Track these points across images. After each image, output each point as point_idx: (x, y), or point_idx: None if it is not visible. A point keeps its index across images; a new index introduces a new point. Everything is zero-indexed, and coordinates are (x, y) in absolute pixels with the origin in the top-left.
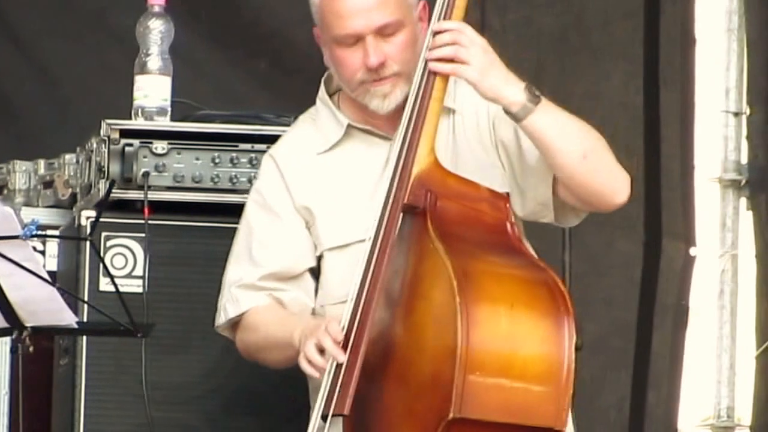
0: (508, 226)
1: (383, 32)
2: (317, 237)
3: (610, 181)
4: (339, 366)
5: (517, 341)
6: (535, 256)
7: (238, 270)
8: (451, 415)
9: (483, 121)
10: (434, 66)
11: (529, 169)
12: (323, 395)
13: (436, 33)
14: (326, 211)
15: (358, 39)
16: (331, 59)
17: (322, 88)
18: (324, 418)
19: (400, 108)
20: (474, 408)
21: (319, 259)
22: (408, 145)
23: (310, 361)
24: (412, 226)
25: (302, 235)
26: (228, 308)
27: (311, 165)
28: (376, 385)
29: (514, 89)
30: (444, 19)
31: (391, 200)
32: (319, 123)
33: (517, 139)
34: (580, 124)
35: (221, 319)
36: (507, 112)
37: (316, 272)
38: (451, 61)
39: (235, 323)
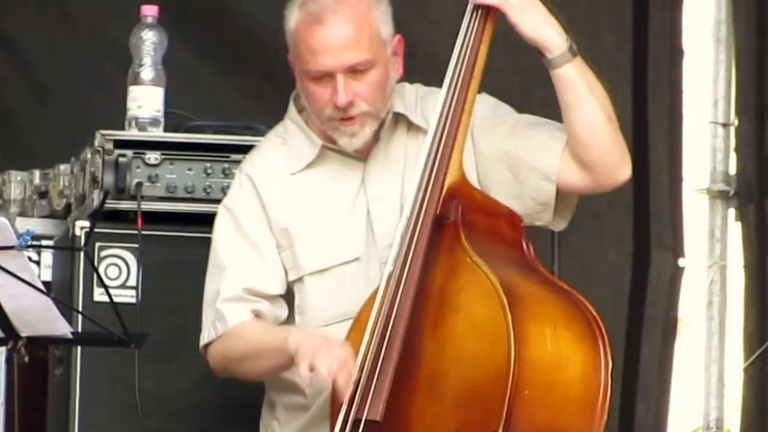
0: (524, 245)
1: (354, 70)
2: (296, 261)
3: (622, 152)
4: (370, 369)
5: (560, 363)
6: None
7: (217, 285)
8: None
9: None
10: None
11: (528, 169)
12: (348, 399)
13: None
14: (305, 234)
15: (327, 75)
16: (302, 90)
17: (292, 106)
18: (357, 422)
19: (369, 142)
20: (520, 426)
21: (296, 282)
22: (441, 155)
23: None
24: (439, 237)
25: (276, 261)
26: (217, 325)
27: (286, 186)
28: (399, 393)
29: (555, 33)
30: None
31: (423, 209)
32: (291, 143)
33: (507, 141)
34: (604, 90)
35: (210, 336)
36: (544, 57)
37: (286, 298)
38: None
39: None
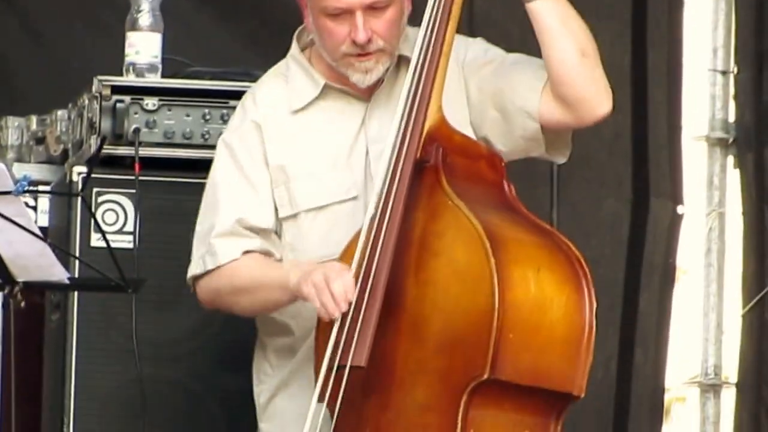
0: (505, 185)
1: (373, 7)
2: (292, 197)
3: (600, 87)
4: (353, 317)
5: (544, 305)
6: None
7: (210, 220)
8: (485, 376)
9: (451, 79)
10: None
11: (512, 107)
12: (332, 346)
13: None
14: (303, 172)
15: (346, 12)
16: (316, 28)
17: (295, 44)
18: (339, 369)
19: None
20: (505, 369)
21: (290, 218)
22: (420, 99)
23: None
24: (419, 181)
25: (268, 197)
26: (207, 259)
27: (286, 123)
28: (381, 338)
29: None
30: None
31: (403, 153)
32: (292, 81)
33: (494, 80)
34: (583, 24)
35: (199, 268)
36: None
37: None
38: None
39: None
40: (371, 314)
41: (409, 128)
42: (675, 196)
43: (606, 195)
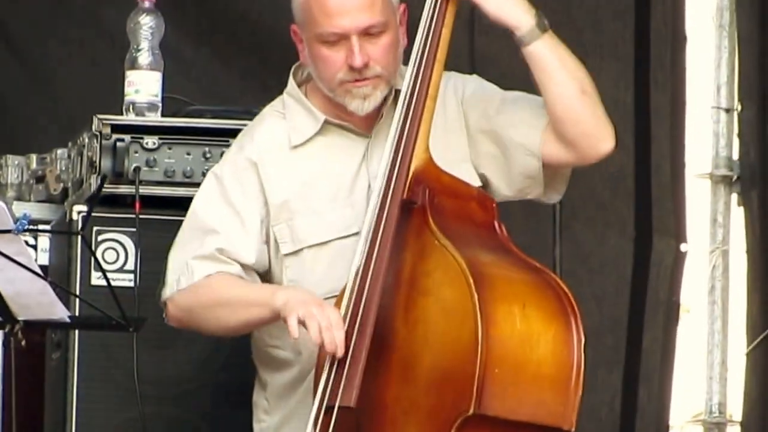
0: (497, 225)
1: (368, 33)
2: (294, 233)
3: (600, 124)
4: (342, 357)
5: (530, 341)
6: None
7: (189, 246)
8: (471, 411)
9: (452, 113)
10: None
11: (513, 144)
12: (323, 387)
13: None
14: (305, 208)
15: (342, 38)
16: (312, 57)
17: (291, 80)
18: (328, 410)
19: (377, 107)
20: (491, 405)
21: (292, 255)
22: (406, 140)
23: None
24: (407, 222)
25: (256, 233)
26: (181, 280)
27: (286, 159)
28: (373, 379)
29: (522, 11)
30: None
31: (389, 195)
32: (290, 117)
33: (497, 113)
34: (580, 63)
35: (172, 290)
36: (513, 35)
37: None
38: None
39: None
40: (359, 355)
41: (395, 169)
42: (678, 233)
43: (609, 233)
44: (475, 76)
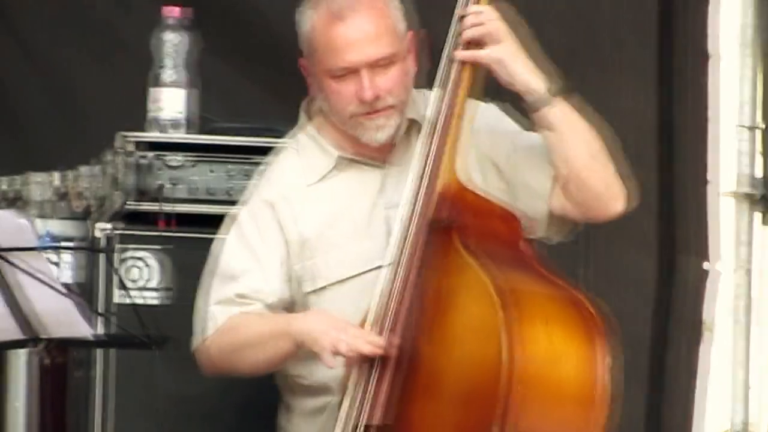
0: (521, 244)
1: (377, 65)
2: (316, 271)
3: (611, 186)
4: (367, 376)
5: (554, 359)
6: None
7: (212, 294)
8: (494, 430)
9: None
10: (460, 54)
11: (522, 185)
12: (350, 407)
13: (461, 17)
14: (326, 245)
15: (351, 72)
16: (322, 91)
17: (303, 116)
18: (354, 429)
19: (391, 137)
20: (516, 424)
21: (314, 293)
22: (433, 161)
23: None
24: (433, 240)
25: (276, 277)
26: (207, 327)
27: (303, 199)
28: (399, 397)
29: (534, 80)
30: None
31: (417, 215)
32: (304, 155)
33: (509, 157)
34: (589, 126)
35: (197, 340)
36: (523, 100)
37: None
38: (476, 46)
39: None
40: (385, 373)
41: (422, 189)
42: (702, 252)
43: (632, 251)
44: (491, 105)
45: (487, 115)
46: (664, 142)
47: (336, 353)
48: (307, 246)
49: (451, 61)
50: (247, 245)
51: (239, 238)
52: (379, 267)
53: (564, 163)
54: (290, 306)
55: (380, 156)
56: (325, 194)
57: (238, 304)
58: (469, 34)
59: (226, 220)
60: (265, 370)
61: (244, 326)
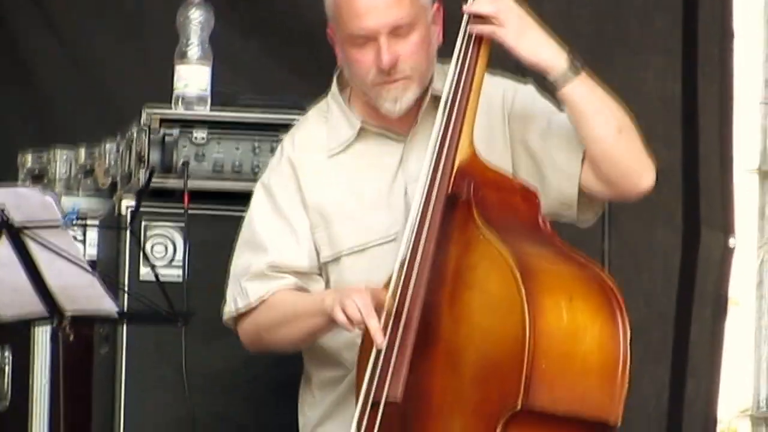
0: (540, 220)
1: (397, 32)
2: (333, 240)
3: (639, 161)
4: (386, 352)
5: (577, 334)
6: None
7: (244, 260)
8: (519, 406)
9: (496, 121)
10: (473, 28)
11: (553, 167)
12: (368, 382)
13: None
14: (343, 214)
15: (371, 38)
16: (344, 59)
17: (335, 84)
18: (374, 405)
19: (412, 108)
20: (539, 399)
21: (332, 262)
22: (451, 135)
23: (348, 315)
24: (452, 215)
25: (308, 240)
26: (238, 300)
27: (324, 167)
28: (418, 373)
29: (554, 54)
30: None
31: (435, 189)
32: (332, 122)
33: (541, 137)
34: (616, 102)
35: (230, 311)
36: (546, 78)
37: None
38: (489, 23)
39: (240, 314)
40: (405, 349)
41: (441, 163)
42: (726, 227)
43: (657, 227)
44: (530, 86)
45: (524, 95)
46: (690, 118)
47: (343, 308)
48: (323, 214)
49: (468, 36)
50: (278, 211)
51: (271, 204)
52: (395, 238)
53: (595, 138)
54: (321, 273)
55: (403, 129)
56: (345, 164)
57: (269, 278)
58: (481, 9)
59: (257, 185)
60: (300, 347)
61: (279, 306)
